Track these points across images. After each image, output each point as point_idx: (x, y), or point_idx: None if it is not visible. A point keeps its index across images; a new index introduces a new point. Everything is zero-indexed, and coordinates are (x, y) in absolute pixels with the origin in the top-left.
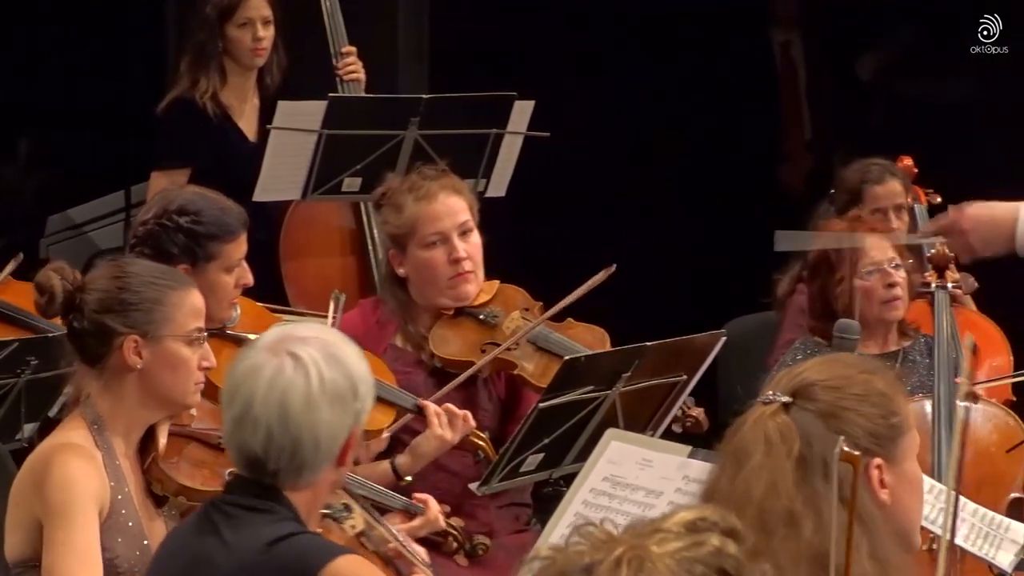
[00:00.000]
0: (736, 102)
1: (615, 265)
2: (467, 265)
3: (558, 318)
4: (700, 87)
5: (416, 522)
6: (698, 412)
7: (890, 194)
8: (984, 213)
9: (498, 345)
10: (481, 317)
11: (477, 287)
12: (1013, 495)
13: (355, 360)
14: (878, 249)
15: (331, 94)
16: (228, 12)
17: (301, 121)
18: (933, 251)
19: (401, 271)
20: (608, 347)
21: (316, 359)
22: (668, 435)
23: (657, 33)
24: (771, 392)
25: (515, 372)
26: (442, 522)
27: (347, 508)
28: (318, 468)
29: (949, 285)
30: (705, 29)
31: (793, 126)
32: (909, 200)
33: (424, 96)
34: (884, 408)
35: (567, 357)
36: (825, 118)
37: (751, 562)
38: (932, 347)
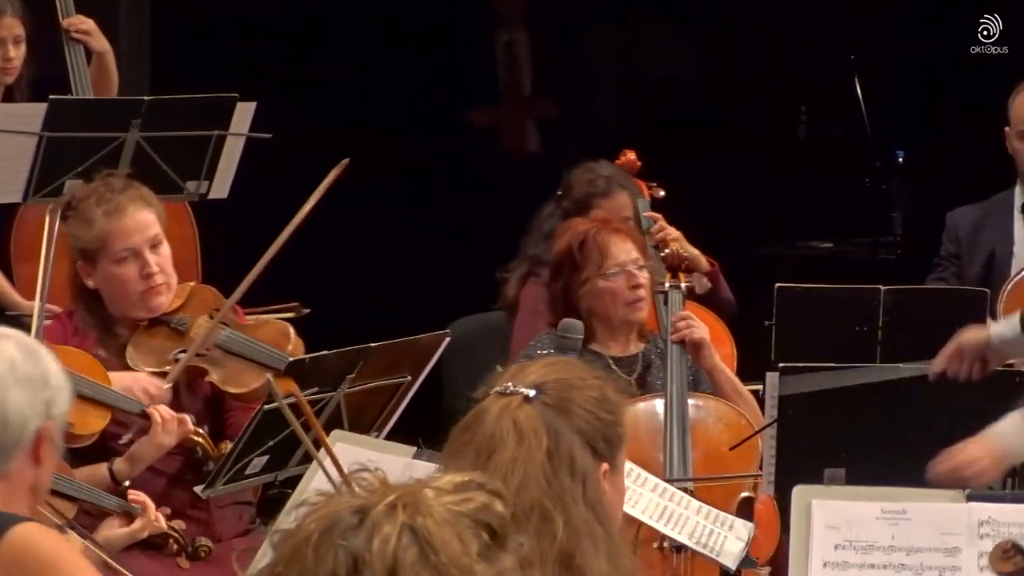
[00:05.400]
0: (461, 103)
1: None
2: (159, 279)
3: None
4: (424, 88)
5: (136, 524)
6: None
7: (617, 207)
8: (975, 338)
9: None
10: (172, 325)
11: (170, 297)
12: (743, 494)
13: (50, 359)
14: (622, 250)
15: (52, 96)
16: None
17: (20, 123)
18: (667, 252)
19: (91, 283)
20: (293, 340)
21: (11, 349)
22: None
23: (381, 32)
24: (509, 384)
25: (207, 379)
26: (163, 523)
27: (61, 530)
28: (9, 453)
29: (683, 285)
30: (430, 29)
31: (518, 126)
32: (649, 192)
33: (145, 98)
34: (615, 416)
35: (290, 359)
36: (552, 117)
37: (514, 528)
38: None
